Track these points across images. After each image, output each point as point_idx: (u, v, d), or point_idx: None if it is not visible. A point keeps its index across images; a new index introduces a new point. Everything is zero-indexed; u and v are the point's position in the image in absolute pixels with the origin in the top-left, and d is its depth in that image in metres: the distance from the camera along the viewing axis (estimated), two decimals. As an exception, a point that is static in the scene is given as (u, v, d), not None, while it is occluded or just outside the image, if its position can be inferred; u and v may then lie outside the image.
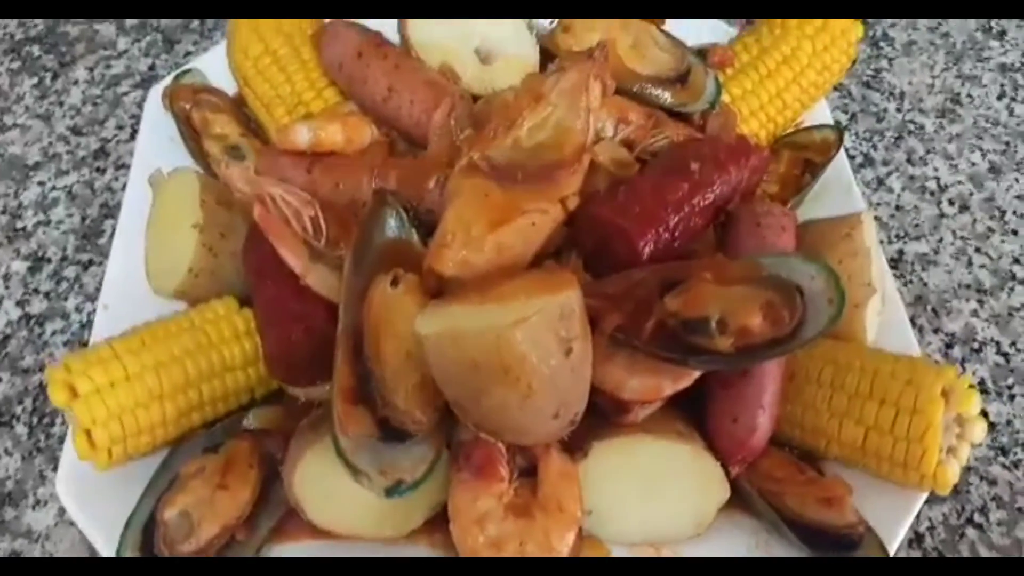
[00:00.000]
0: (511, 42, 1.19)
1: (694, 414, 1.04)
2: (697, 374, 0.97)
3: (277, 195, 0.99)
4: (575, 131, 1.01)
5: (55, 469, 1.11)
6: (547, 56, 1.23)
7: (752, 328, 0.92)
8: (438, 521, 0.99)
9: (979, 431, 0.98)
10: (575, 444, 0.98)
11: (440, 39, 1.17)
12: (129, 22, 1.64)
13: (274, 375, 1.04)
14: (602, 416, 1.00)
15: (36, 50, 1.59)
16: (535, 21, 1.27)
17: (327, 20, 1.26)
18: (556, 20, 1.28)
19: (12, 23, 1.62)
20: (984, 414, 1.23)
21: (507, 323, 0.84)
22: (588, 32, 1.25)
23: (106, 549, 0.93)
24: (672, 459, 0.97)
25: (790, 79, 1.29)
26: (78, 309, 1.27)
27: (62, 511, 1.09)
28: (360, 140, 1.11)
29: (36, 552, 1.07)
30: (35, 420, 1.17)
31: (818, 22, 1.31)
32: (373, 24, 1.26)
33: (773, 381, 1.00)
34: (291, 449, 0.97)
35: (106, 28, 1.63)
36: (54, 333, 1.25)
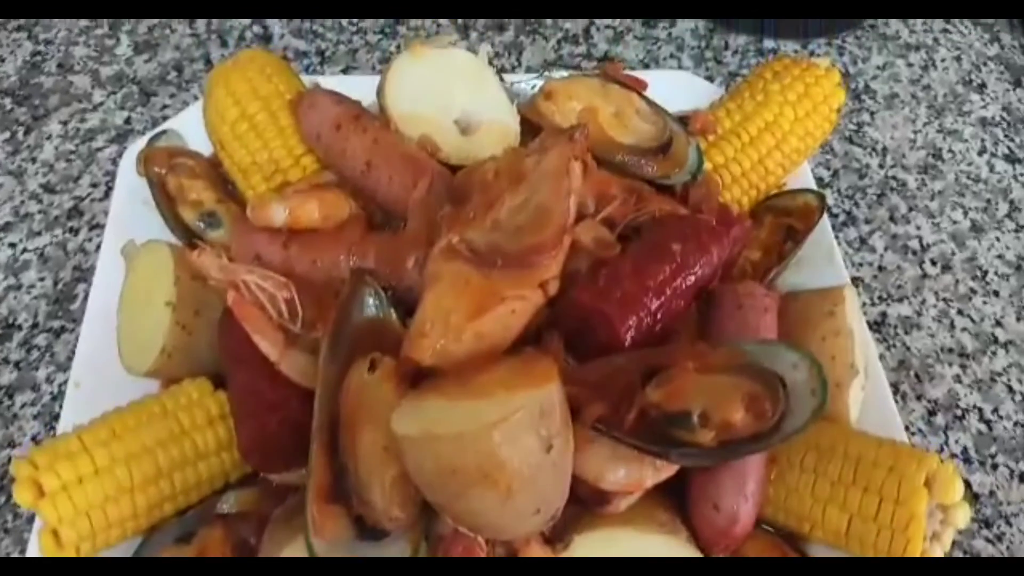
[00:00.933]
0: (491, 112, 1.18)
1: (676, 498, 1.03)
2: (677, 466, 0.95)
3: (252, 282, 0.97)
4: (556, 213, 1.00)
5: (22, 552, 1.09)
6: (528, 125, 1.22)
7: (734, 422, 0.91)
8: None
9: (962, 517, 0.97)
10: (556, 536, 0.96)
11: (420, 111, 1.15)
12: (104, 74, 1.62)
13: (249, 463, 1.02)
14: (583, 506, 0.98)
15: (8, 103, 1.56)
16: (515, 88, 1.26)
17: (305, 89, 1.24)
18: (537, 86, 1.27)
19: (-16, 76, 1.59)
20: (967, 484, 1.24)
21: (485, 424, 0.82)
22: (569, 100, 1.24)
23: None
24: (654, 552, 0.96)
25: (772, 146, 1.29)
26: (49, 379, 1.24)
27: (29, 598, 1.06)
28: (337, 216, 1.09)
29: (1, 642, 1.03)
30: (2, 500, 1.14)
31: (800, 87, 1.30)
32: (354, 86, 1.26)
33: (756, 469, 0.99)
34: (265, 544, 0.95)
35: (81, 80, 1.61)
36: (23, 405, 1.22)
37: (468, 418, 0.84)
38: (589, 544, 0.96)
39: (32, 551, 0.96)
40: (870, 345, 1.17)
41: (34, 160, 1.48)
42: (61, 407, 1.18)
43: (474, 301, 0.95)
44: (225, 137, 1.25)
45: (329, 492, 0.91)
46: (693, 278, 1.04)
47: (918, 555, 0.94)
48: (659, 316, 1.01)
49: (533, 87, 1.30)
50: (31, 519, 1.11)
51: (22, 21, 1.68)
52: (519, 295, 0.96)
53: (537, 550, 0.95)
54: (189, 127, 1.34)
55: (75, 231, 1.40)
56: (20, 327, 1.29)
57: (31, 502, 0.89)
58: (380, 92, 1.17)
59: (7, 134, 1.51)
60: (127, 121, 1.55)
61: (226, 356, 1.04)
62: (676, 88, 1.40)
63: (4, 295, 1.32)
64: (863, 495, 0.97)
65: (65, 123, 1.53)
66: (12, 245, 1.38)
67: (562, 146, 1.02)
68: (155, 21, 1.71)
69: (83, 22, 1.69)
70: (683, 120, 1.29)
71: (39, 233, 1.39)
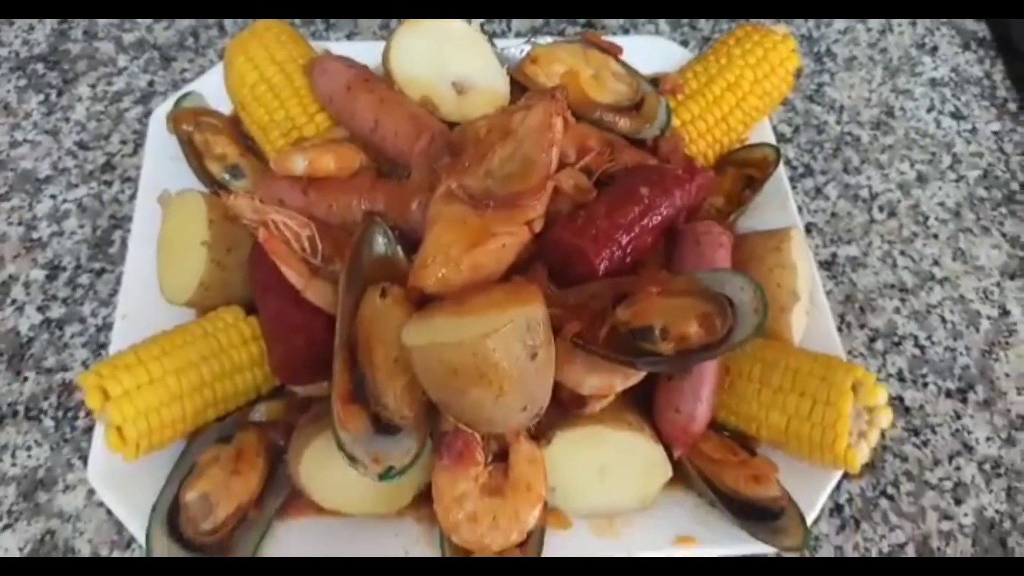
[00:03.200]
0: (484, 76, 1.33)
1: (643, 406, 1.21)
2: (644, 373, 1.13)
3: (279, 220, 1.13)
4: (540, 163, 1.16)
5: (81, 458, 1.27)
6: (516, 86, 1.37)
7: (689, 335, 1.08)
8: (423, 499, 1.15)
9: (885, 418, 1.15)
10: (541, 433, 1.15)
11: (421, 75, 1.31)
12: (127, 40, 1.76)
13: (278, 377, 1.19)
14: (564, 409, 1.16)
15: (40, 68, 1.70)
16: (505, 53, 1.41)
17: (317, 55, 1.39)
18: (524, 51, 1.42)
19: (16, 41, 1.73)
20: (900, 399, 1.43)
21: (482, 334, 1.00)
22: (553, 64, 1.39)
23: (137, 530, 1.08)
24: (623, 446, 1.14)
25: (734, 104, 1.44)
26: (93, 314, 1.40)
27: (90, 494, 1.24)
28: (350, 167, 1.25)
29: (68, 531, 1.21)
30: (60, 415, 1.31)
31: (759, 52, 1.46)
32: (359, 51, 1.41)
33: (710, 377, 1.17)
34: (294, 441, 1.13)
35: (105, 46, 1.74)
36: (73, 336, 1.38)
37: (467, 329, 1.01)
38: (569, 439, 1.14)
39: (96, 451, 1.13)
40: (816, 280, 1.35)
41: (67, 120, 1.62)
42: (106, 337, 1.35)
43: (470, 236, 1.11)
44: (245, 98, 1.40)
45: (350, 396, 1.08)
46: (659, 218, 1.20)
47: (844, 449, 1.12)
48: (629, 250, 1.18)
49: (521, 51, 1.45)
50: (88, 430, 1.29)
51: (47, -9, 1.81)
52: (509, 231, 1.13)
53: (525, 444, 1.13)
54: (209, 89, 1.49)
55: (109, 184, 1.55)
56: (65, 268, 1.45)
57: (99, 404, 1.06)
58: (385, 58, 1.32)
59: (41, 96, 1.65)
60: (150, 84, 1.69)
61: (257, 287, 1.20)
62: (652, 52, 1.57)
63: (49, 240, 1.48)
64: (799, 399, 1.15)
65: (93, 86, 1.68)
66: (53, 196, 1.53)
67: (545, 103, 1.18)
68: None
69: (104, -8, 1.82)
70: (655, 81, 1.45)
71: (76, 185, 1.54)
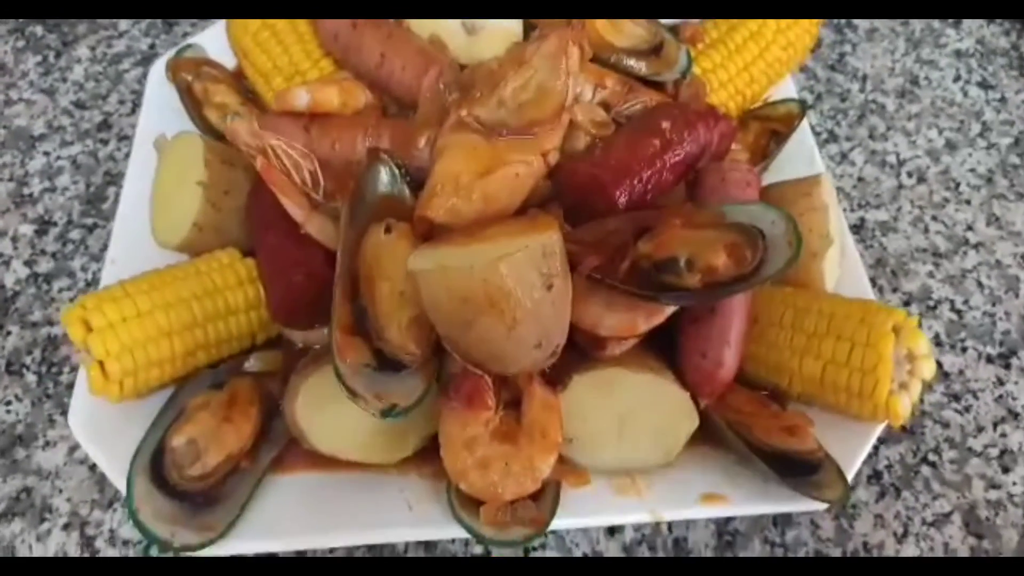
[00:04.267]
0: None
1: (667, 354, 1.12)
2: (669, 311, 1.05)
3: (279, 148, 1.06)
4: (555, 91, 1.10)
5: (63, 414, 1.19)
6: (530, 29, 1.31)
7: (717, 266, 1.00)
8: (428, 454, 1.06)
9: (928, 368, 1.06)
10: (556, 378, 1.06)
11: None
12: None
13: (276, 318, 1.11)
14: (581, 353, 1.08)
15: (39, 31, 1.65)
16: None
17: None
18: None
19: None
20: (939, 364, 1.34)
21: (493, 258, 0.92)
22: (568, 8, 1.33)
23: (117, 477, 0.99)
24: (645, 390, 1.05)
25: (756, 54, 1.38)
26: (83, 268, 1.34)
27: (71, 451, 1.16)
28: (355, 103, 1.18)
29: (46, 489, 1.13)
30: (44, 369, 1.23)
31: (782, 1, 1.40)
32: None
33: (738, 320, 1.09)
34: (291, 382, 1.05)
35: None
36: (60, 290, 1.31)
37: (478, 255, 0.94)
38: (586, 383, 1.05)
39: (78, 396, 1.05)
40: (846, 231, 1.27)
41: (65, 80, 1.57)
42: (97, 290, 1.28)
43: (481, 164, 1.04)
44: (248, 46, 1.35)
45: (351, 328, 1.00)
46: (681, 152, 1.13)
47: (885, 396, 1.03)
48: (650, 185, 1.11)
49: (534, 3, 1.39)
50: (70, 386, 1.21)
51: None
52: (523, 160, 1.06)
53: (539, 390, 1.04)
54: (210, 45, 1.43)
55: (105, 142, 1.49)
56: (56, 223, 1.38)
57: (81, 336, 0.98)
58: (393, -6, 1.27)
59: (39, 58, 1.61)
60: (151, 47, 1.64)
61: (255, 222, 1.13)
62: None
63: (40, 196, 1.41)
64: (836, 343, 1.07)
65: (93, 48, 1.63)
66: (46, 153, 1.47)
67: (561, 31, 1.11)
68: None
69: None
70: (674, 31, 1.39)
71: (71, 143, 1.48)
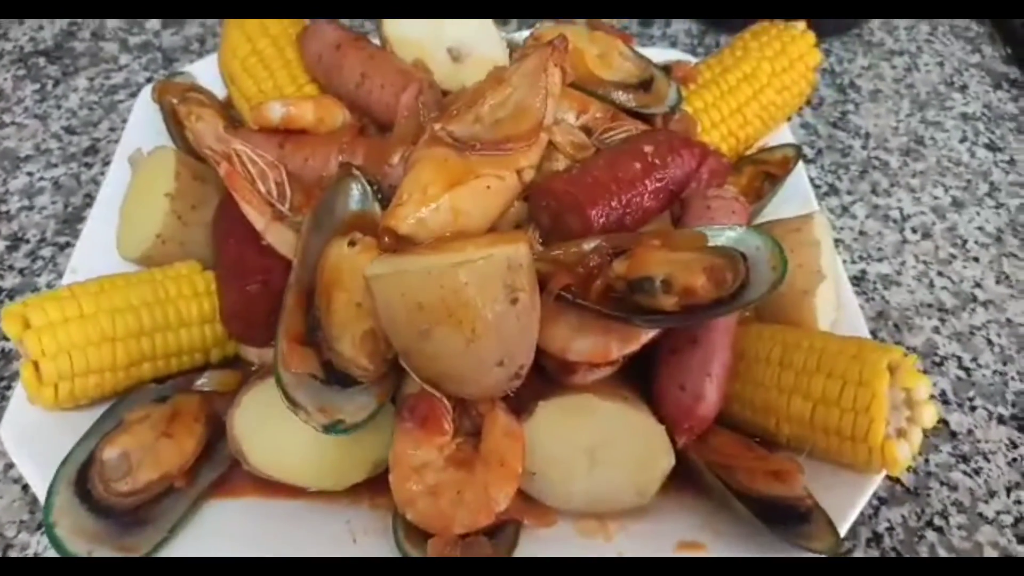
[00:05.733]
0: (482, 43, 1.26)
1: (643, 388, 1.04)
2: (645, 338, 0.98)
3: (244, 154, 1.03)
4: (533, 109, 1.06)
5: None
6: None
7: (695, 288, 0.93)
8: (382, 483, 0.98)
9: (929, 414, 0.97)
10: (521, 405, 0.98)
11: (415, 37, 1.24)
12: (133, 42, 1.74)
13: (229, 330, 1.05)
14: (549, 381, 1.01)
15: (42, 62, 1.67)
16: (506, 34, 1.34)
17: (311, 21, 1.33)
18: (528, 31, 1.36)
19: (23, 38, 1.71)
20: (945, 423, 1.24)
21: (452, 263, 0.86)
22: (557, 41, 1.32)
23: (39, 485, 0.91)
24: (617, 422, 0.97)
25: (750, 95, 1.35)
26: (49, 285, 1.30)
27: (7, 468, 1.08)
28: (331, 121, 1.16)
29: (-27, 508, 1.05)
30: (-8, 384, 1.18)
31: (777, 45, 1.38)
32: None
33: (721, 351, 1.01)
34: (237, 397, 0.98)
35: (110, 46, 1.73)
36: (23, 306, 1.27)
37: (437, 261, 0.88)
38: (553, 411, 0.97)
39: (13, 404, 0.99)
40: (842, 275, 1.20)
41: (59, 107, 1.58)
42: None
43: (451, 176, 1.00)
44: (236, 71, 1.34)
45: (300, 337, 0.94)
46: (664, 178, 1.08)
47: (880, 440, 0.94)
48: (628, 209, 1.05)
49: (525, 40, 1.38)
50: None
51: (63, -2, 1.82)
52: (495, 174, 1.01)
53: (502, 416, 0.96)
54: (203, 75, 1.43)
55: (89, 165, 1.48)
56: (28, 240, 1.35)
57: (16, 334, 0.93)
58: (379, 21, 1.26)
59: (36, 85, 1.62)
60: (149, 80, 1.65)
61: (217, 235, 1.09)
62: (660, 58, 1.49)
63: (16, 214, 1.39)
64: (826, 380, 0.98)
65: (92, 79, 1.64)
66: (29, 174, 1.46)
67: (542, 50, 1.09)
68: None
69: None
70: (666, 69, 1.36)
71: (56, 165, 1.47)
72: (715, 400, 1.00)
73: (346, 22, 1.78)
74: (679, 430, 0.99)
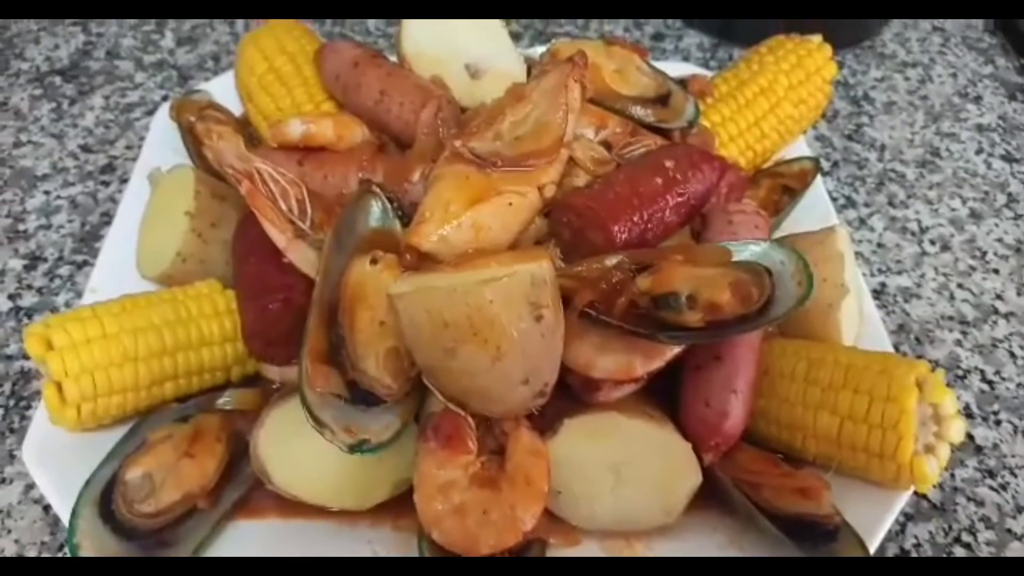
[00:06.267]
0: (500, 59, 1.26)
1: (668, 404, 1.03)
2: (669, 354, 0.97)
3: (266, 172, 1.02)
4: (553, 125, 1.06)
5: (18, 445, 1.11)
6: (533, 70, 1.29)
7: (721, 304, 0.93)
8: (406, 504, 0.97)
9: (957, 429, 0.96)
10: (545, 423, 0.97)
11: (432, 52, 1.24)
12: (148, 61, 1.75)
13: (251, 349, 1.05)
14: (574, 398, 1.00)
15: (58, 80, 1.68)
16: (524, 50, 1.34)
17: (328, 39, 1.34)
18: (544, 47, 1.36)
19: (39, 57, 1.72)
20: (970, 437, 1.23)
21: (478, 281, 0.86)
22: (575, 57, 1.32)
23: (62, 506, 0.91)
24: (643, 440, 0.96)
25: (767, 109, 1.35)
26: (68, 304, 1.29)
27: (27, 489, 1.08)
28: (350, 138, 1.16)
29: (-5, 529, 1.05)
30: (11, 403, 1.17)
31: (793, 58, 1.38)
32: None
33: (746, 367, 1.00)
34: (260, 416, 0.97)
35: (125, 65, 1.73)
36: (41, 325, 1.27)
37: (462, 278, 0.88)
38: (578, 429, 0.96)
39: (35, 424, 0.98)
40: (864, 290, 1.19)
41: (75, 126, 1.58)
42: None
43: (473, 193, 1.00)
44: (253, 88, 1.34)
45: (324, 356, 0.93)
46: (685, 193, 1.08)
47: (909, 456, 0.93)
48: (650, 224, 1.05)
49: (541, 56, 1.38)
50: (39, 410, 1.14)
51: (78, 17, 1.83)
52: (517, 191, 1.01)
53: (525, 434, 0.95)
54: (219, 93, 1.43)
55: (106, 184, 1.48)
56: (46, 259, 1.35)
57: (40, 354, 0.92)
58: (397, 39, 1.26)
59: (53, 104, 1.63)
60: (164, 98, 1.66)
61: (237, 253, 1.09)
62: (676, 72, 1.48)
63: (34, 233, 1.39)
64: (854, 396, 0.97)
65: (107, 98, 1.65)
66: (46, 192, 1.46)
67: (562, 66, 1.09)
68: (199, 20, 1.85)
69: (132, 19, 1.84)
70: (682, 83, 1.36)
71: (72, 184, 1.47)
72: (741, 417, 0.99)
73: (359, 35, 1.81)
74: (705, 447, 0.98)
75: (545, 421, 0.98)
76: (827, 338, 1.10)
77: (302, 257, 1.03)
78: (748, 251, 1.00)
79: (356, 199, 1.06)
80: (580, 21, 1.94)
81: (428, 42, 1.24)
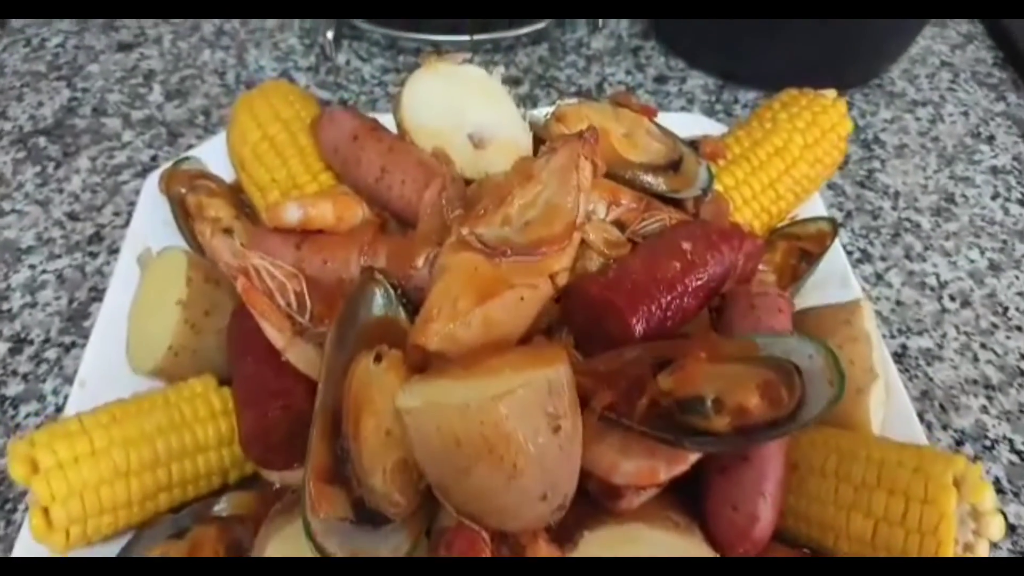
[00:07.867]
0: (504, 128, 1.21)
1: (693, 505, 0.98)
2: (694, 458, 0.91)
3: (262, 268, 0.97)
4: (565, 209, 1.01)
5: (8, 551, 1.05)
6: (540, 143, 1.24)
7: (749, 408, 0.88)
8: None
9: (996, 527, 0.91)
10: (564, 534, 0.92)
11: (434, 125, 1.18)
12: (135, 117, 1.69)
13: (249, 455, 0.99)
14: (593, 504, 0.94)
15: (43, 141, 1.62)
16: (527, 112, 1.29)
17: (325, 108, 1.28)
18: (550, 110, 1.31)
19: (23, 116, 1.66)
20: (1002, 514, 1.17)
21: (492, 396, 0.80)
22: (581, 122, 1.26)
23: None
24: (667, 551, 0.90)
25: (782, 170, 1.30)
26: (55, 392, 1.23)
27: (13, 605, 1.02)
28: (351, 219, 1.10)
29: (-20, 650, 0.98)
30: (-4, 505, 1.11)
31: (808, 116, 1.33)
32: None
33: (775, 467, 0.95)
34: (260, 534, 0.91)
35: (112, 122, 1.67)
36: (28, 415, 1.21)
37: (474, 391, 0.82)
38: (599, 542, 0.91)
39: (22, 540, 0.93)
40: (889, 362, 1.14)
41: (61, 191, 1.52)
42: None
43: (482, 287, 0.94)
44: (246, 157, 1.29)
45: (328, 473, 0.87)
46: (704, 275, 1.03)
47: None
48: (670, 312, 1.00)
49: (546, 116, 1.33)
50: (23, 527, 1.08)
51: (63, 71, 1.77)
52: (528, 283, 0.96)
53: (544, 547, 0.90)
54: (211, 157, 1.38)
55: (94, 255, 1.42)
56: (32, 342, 1.29)
57: (24, 478, 0.86)
58: (396, 105, 1.21)
59: (37, 168, 1.56)
60: (153, 159, 1.60)
61: (234, 350, 1.03)
62: (686, 129, 1.43)
63: (19, 312, 1.33)
64: (888, 497, 0.92)
65: (94, 159, 1.59)
66: (32, 267, 1.40)
67: (572, 144, 1.04)
68: (187, 72, 1.79)
69: (119, 72, 1.78)
70: (693, 145, 1.31)
71: (59, 256, 1.41)
72: (770, 520, 0.94)
73: (355, 84, 1.75)
74: (733, 553, 0.93)
75: (564, 532, 0.92)
76: (855, 424, 1.04)
77: (302, 357, 0.97)
78: (775, 344, 0.94)
79: (358, 289, 1.01)
80: (581, 64, 1.89)
81: (429, 114, 1.18)
